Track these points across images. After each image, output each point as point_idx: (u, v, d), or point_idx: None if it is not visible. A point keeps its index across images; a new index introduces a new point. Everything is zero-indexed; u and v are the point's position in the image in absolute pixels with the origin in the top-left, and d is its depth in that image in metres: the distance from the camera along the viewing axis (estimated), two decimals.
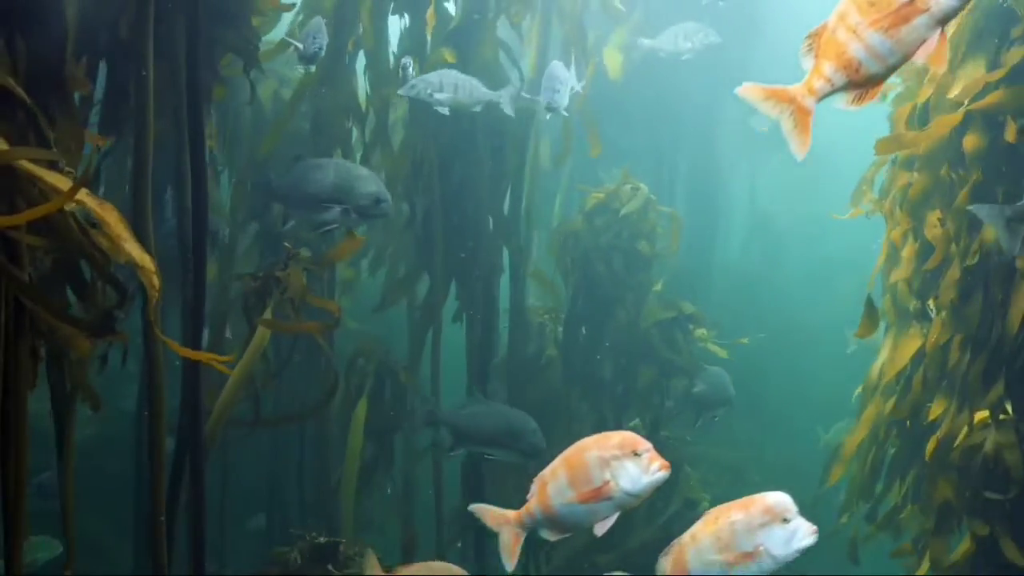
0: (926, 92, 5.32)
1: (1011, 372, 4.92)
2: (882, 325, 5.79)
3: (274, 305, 5.11)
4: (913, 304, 5.58)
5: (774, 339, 8.94)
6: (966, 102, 4.95)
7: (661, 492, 7.25)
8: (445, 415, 6.37)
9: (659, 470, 3.49)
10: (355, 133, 6.53)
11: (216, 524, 6.15)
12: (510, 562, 3.67)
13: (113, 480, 6.50)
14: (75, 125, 3.89)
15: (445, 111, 5.85)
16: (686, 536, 3.49)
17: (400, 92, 5.85)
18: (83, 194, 3.52)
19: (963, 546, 5.11)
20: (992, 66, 4.96)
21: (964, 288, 5.06)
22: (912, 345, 5.41)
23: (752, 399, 9.86)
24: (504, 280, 7.04)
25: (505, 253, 6.96)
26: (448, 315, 6.94)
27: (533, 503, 3.65)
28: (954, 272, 5.09)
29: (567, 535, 3.69)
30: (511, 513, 3.70)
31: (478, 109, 5.95)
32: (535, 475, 3.72)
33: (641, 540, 7.05)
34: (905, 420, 5.58)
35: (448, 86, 5.76)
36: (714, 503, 8.24)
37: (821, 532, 3.41)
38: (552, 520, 3.63)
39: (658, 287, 7.54)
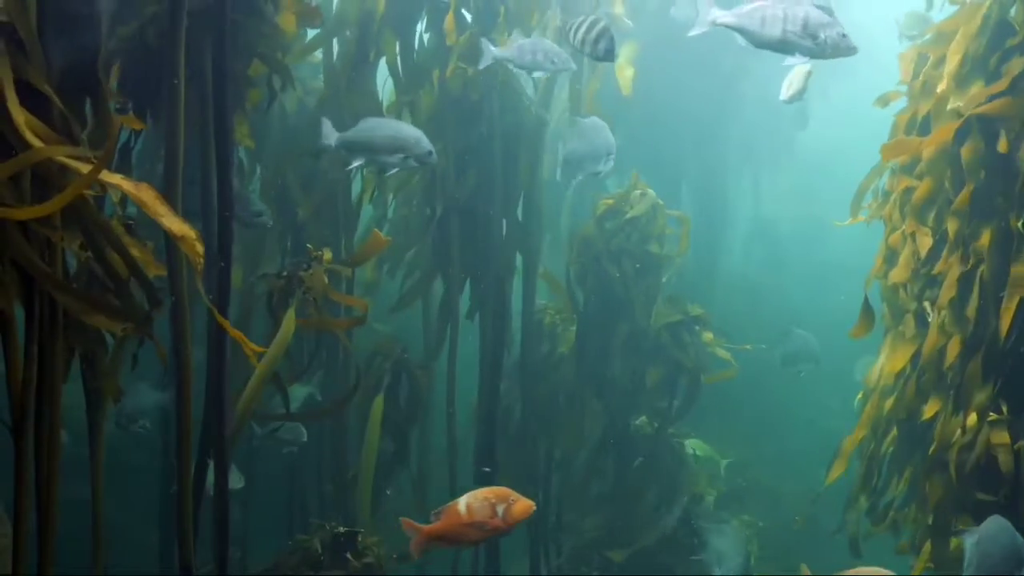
0: (926, 105, 5.54)
1: (1003, 374, 5.11)
2: (881, 327, 5.99)
3: (296, 304, 5.31)
4: (912, 306, 5.74)
5: (776, 340, 9.14)
6: (966, 111, 5.17)
7: (667, 488, 7.52)
8: None
9: None
10: None
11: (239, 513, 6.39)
12: None
13: (139, 473, 6.75)
14: (107, 118, 3.90)
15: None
16: None
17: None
18: (117, 178, 3.65)
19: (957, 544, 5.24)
20: (991, 80, 5.18)
21: (960, 291, 5.24)
22: (909, 348, 5.60)
23: (754, 397, 10.08)
24: (516, 282, 7.26)
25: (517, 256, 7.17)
26: (463, 315, 7.15)
27: None
28: (953, 274, 5.25)
29: None
30: None
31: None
32: None
33: (653, 537, 7.25)
34: (903, 420, 5.75)
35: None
36: (719, 499, 8.38)
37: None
38: None
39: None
